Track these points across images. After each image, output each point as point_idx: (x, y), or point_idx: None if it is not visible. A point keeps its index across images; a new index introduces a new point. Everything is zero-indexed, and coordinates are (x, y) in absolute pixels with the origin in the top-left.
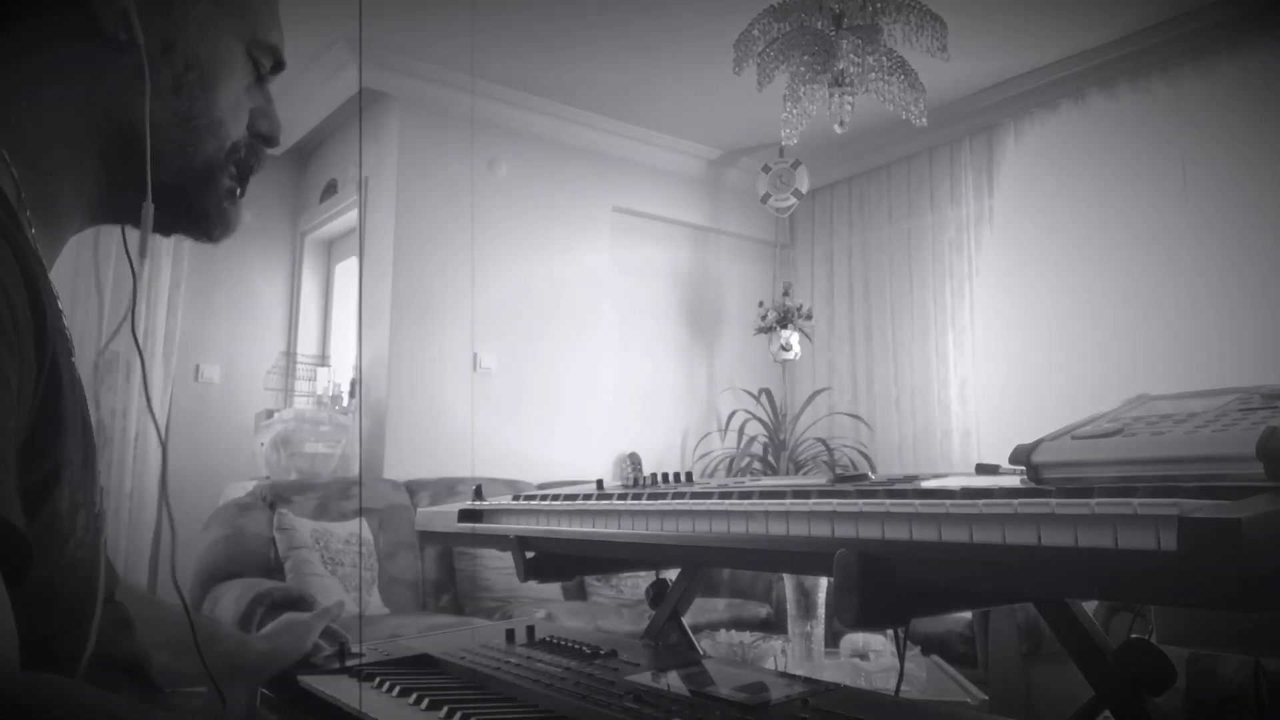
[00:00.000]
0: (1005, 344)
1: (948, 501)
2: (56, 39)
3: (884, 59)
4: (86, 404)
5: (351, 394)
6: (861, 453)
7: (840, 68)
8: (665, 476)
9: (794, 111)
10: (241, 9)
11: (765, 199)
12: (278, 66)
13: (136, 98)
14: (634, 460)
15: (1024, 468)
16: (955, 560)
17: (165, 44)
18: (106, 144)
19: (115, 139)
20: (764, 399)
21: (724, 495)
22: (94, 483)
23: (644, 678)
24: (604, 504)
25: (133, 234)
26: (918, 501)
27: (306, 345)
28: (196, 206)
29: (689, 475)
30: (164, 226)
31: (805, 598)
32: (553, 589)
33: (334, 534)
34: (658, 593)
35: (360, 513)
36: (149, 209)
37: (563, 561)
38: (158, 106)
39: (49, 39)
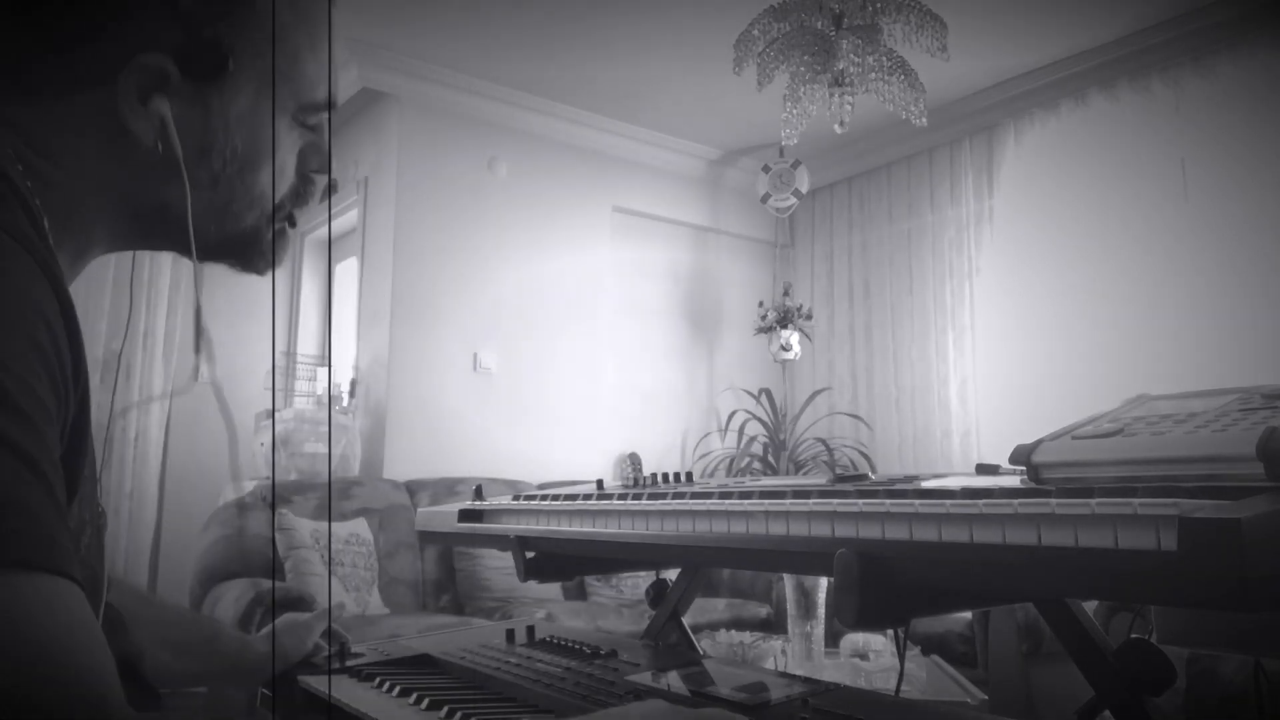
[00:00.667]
0: (1005, 344)
1: (948, 501)
2: (82, 131)
3: (884, 59)
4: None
5: (352, 394)
6: (861, 453)
7: (840, 68)
8: (665, 476)
9: (794, 111)
10: (286, 83)
11: (765, 199)
12: (329, 107)
13: (172, 192)
14: (634, 460)
15: (1024, 468)
16: (955, 560)
17: (201, 148)
18: (141, 220)
19: (150, 218)
20: (764, 399)
21: (724, 495)
22: (95, 493)
23: (644, 678)
24: (604, 504)
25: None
26: (918, 501)
27: (306, 345)
28: (245, 257)
29: (689, 475)
30: (207, 258)
31: (805, 598)
32: (553, 589)
33: (334, 534)
34: (658, 593)
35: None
36: (199, 271)
37: (563, 561)
38: (195, 197)
39: (74, 128)
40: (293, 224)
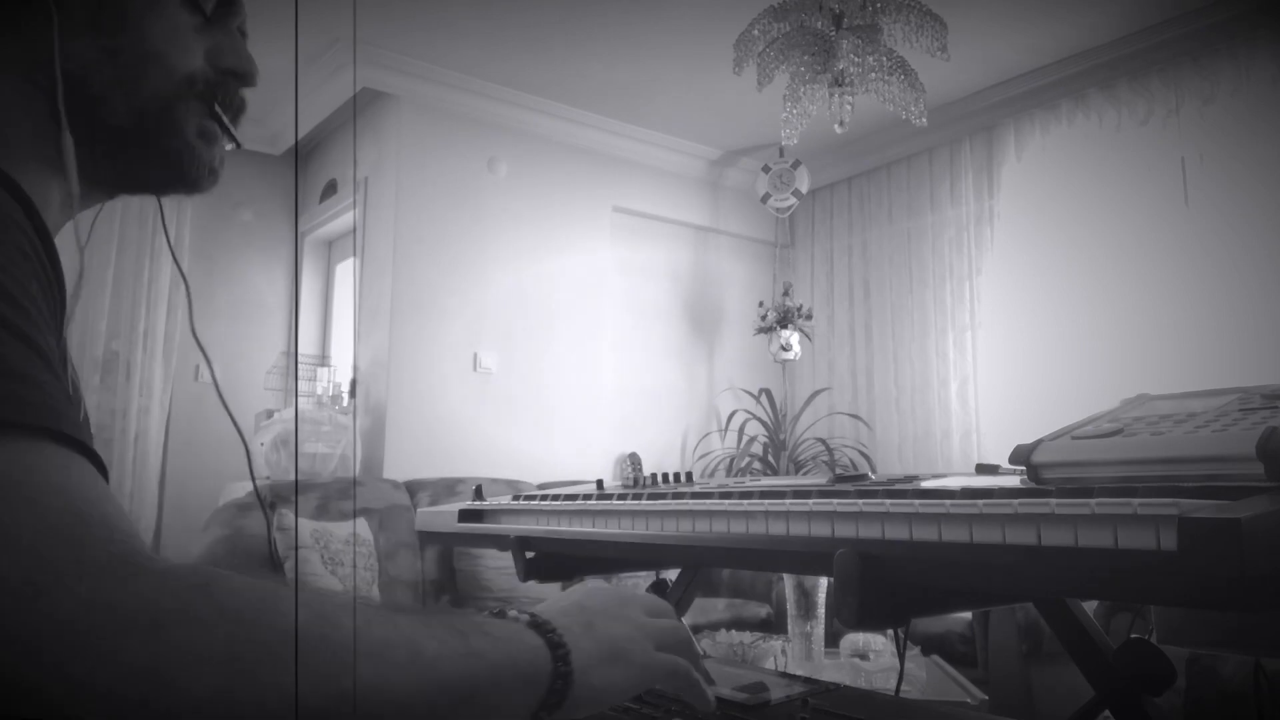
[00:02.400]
0: (1005, 344)
1: (948, 501)
2: None
3: (884, 59)
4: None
5: (352, 394)
6: (861, 453)
7: (840, 68)
8: (665, 476)
9: (794, 111)
10: None
11: (765, 199)
12: (223, 3)
13: (52, 39)
14: (634, 460)
15: (1024, 468)
16: (955, 560)
17: None
18: (53, 100)
19: (54, 92)
20: (764, 399)
21: (724, 495)
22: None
23: None
24: (604, 504)
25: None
26: (918, 501)
27: (306, 345)
28: (164, 146)
29: (689, 475)
30: (148, 182)
31: (805, 598)
32: (552, 589)
33: (334, 534)
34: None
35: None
36: (68, 142)
37: (563, 561)
38: (81, 45)
39: None
40: (225, 130)
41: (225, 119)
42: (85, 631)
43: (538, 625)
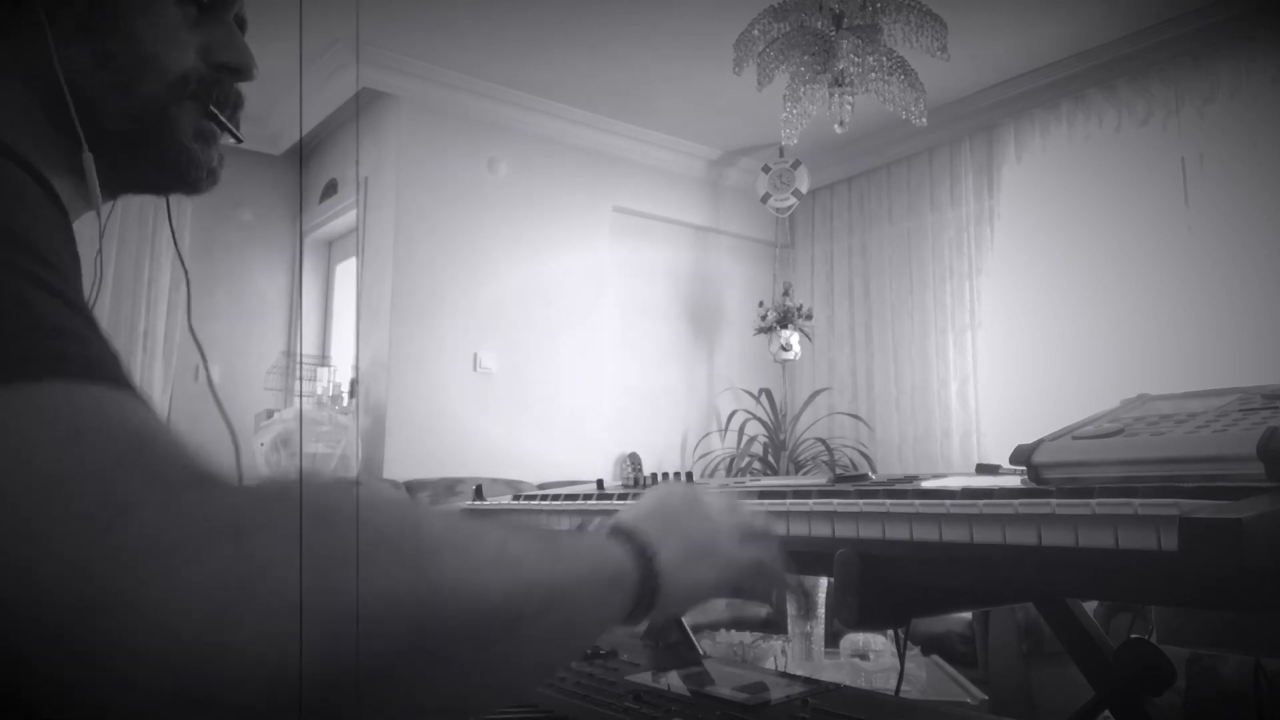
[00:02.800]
0: (1005, 344)
1: (948, 501)
2: None
3: (884, 59)
4: None
5: (352, 394)
6: (861, 453)
7: (840, 68)
8: (665, 476)
9: (794, 111)
10: None
11: (765, 199)
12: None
13: (46, 48)
14: (634, 460)
15: (1025, 468)
16: (955, 560)
17: None
18: (49, 106)
19: (53, 99)
20: (764, 399)
21: None
22: None
23: (644, 678)
24: (604, 504)
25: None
26: (918, 501)
27: (307, 345)
28: (157, 148)
29: (689, 475)
30: (147, 184)
31: (805, 598)
32: None
33: None
34: None
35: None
36: (89, 160)
37: None
38: (75, 51)
39: None
40: (224, 128)
41: (222, 116)
42: (171, 545)
43: (620, 534)
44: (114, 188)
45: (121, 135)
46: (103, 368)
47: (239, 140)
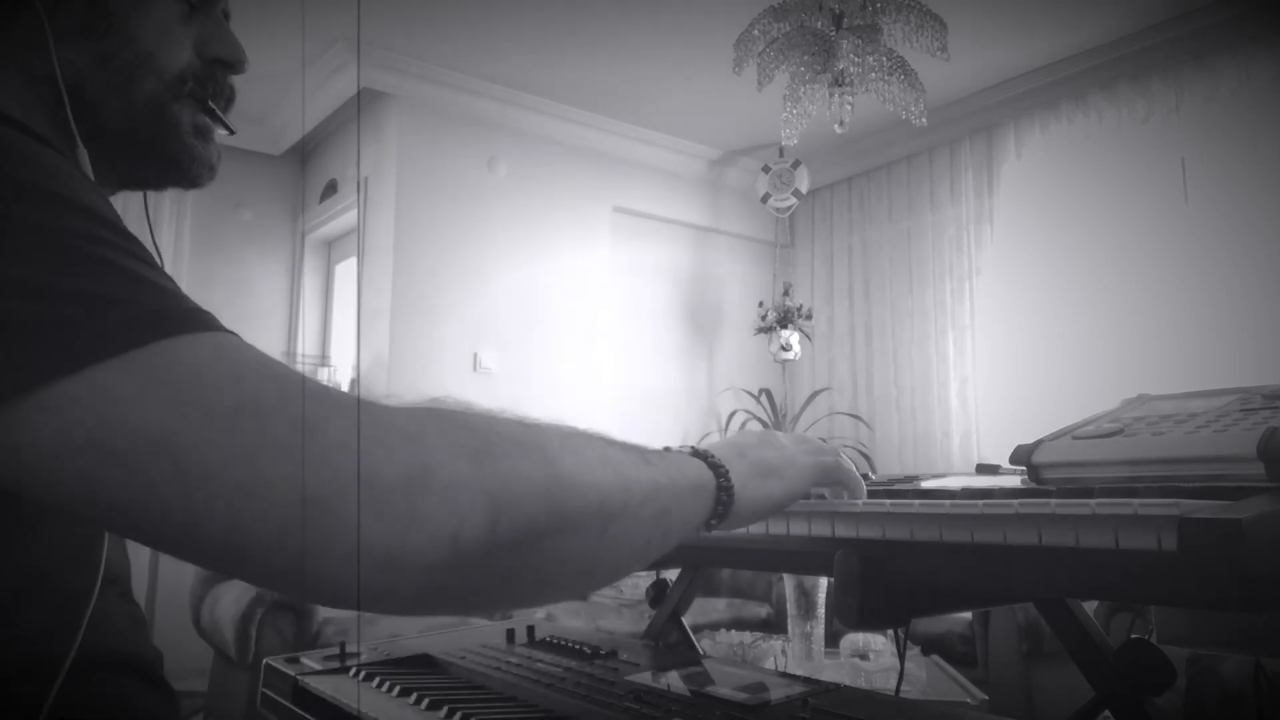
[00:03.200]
0: (1006, 344)
1: (948, 502)
2: None
3: (884, 59)
4: None
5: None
6: (861, 453)
7: (840, 68)
8: None
9: (794, 111)
10: None
11: (765, 199)
12: None
13: (46, 49)
14: None
15: (1024, 468)
16: (955, 560)
17: None
18: (49, 107)
19: (55, 101)
20: (764, 399)
21: None
22: None
23: (644, 678)
24: None
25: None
26: (918, 502)
27: (307, 345)
28: (157, 146)
29: None
30: (146, 180)
31: (805, 598)
32: None
33: None
34: (658, 593)
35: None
36: (83, 156)
37: None
38: (73, 52)
39: None
40: (220, 122)
41: (218, 111)
42: (364, 450)
43: (698, 454)
44: (112, 185)
45: (122, 133)
46: (216, 319)
47: (231, 133)
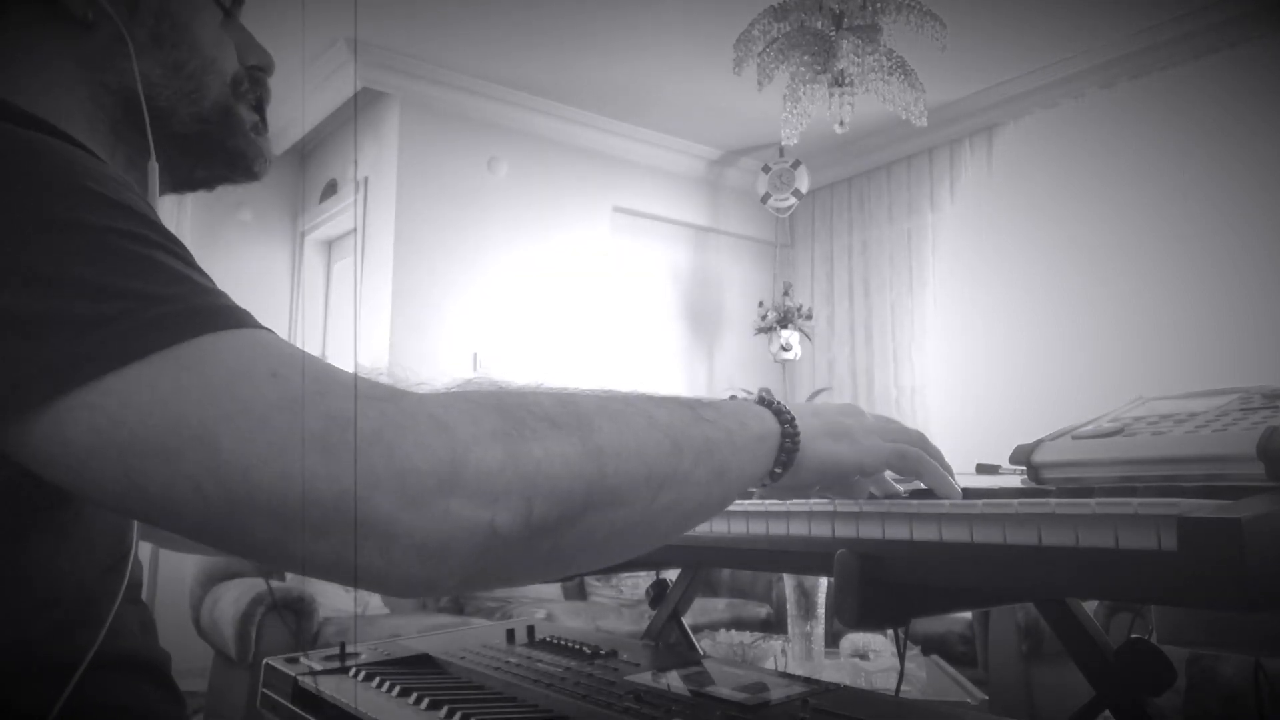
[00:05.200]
0: (1005, 343)
1: (947, 501)
2: (29, 38)
3: (884, 59)
4: None
5: None
6: None
7: (840, 68)
8: None
9: (794, 111)
10: None
11: (765, 199)
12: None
13: (124, 63)
14: None
15: (1024, 468)
16: (955, 560)
17: (129, 4)
18: (115, 119)
19: (121, 111)
20: None
21: None
22: None
23: (644, 678)
24: None
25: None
26: (917, 501)
27: (307, 345)
28: (228, 145)
29: None
30: (206, 179)
31: (805, 598)
32: (553, 589)
33: None
34: (658, 593)
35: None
36: (154, 169)
37: None
38: (147, 64)
39: (21, 40)
40: (263, 121)
41: (264, 111)
42: (391, 440)
43: (764, 402)
44: (165, 188)
45: (190, 136)
46: (253, 317)
47: (266, 128)
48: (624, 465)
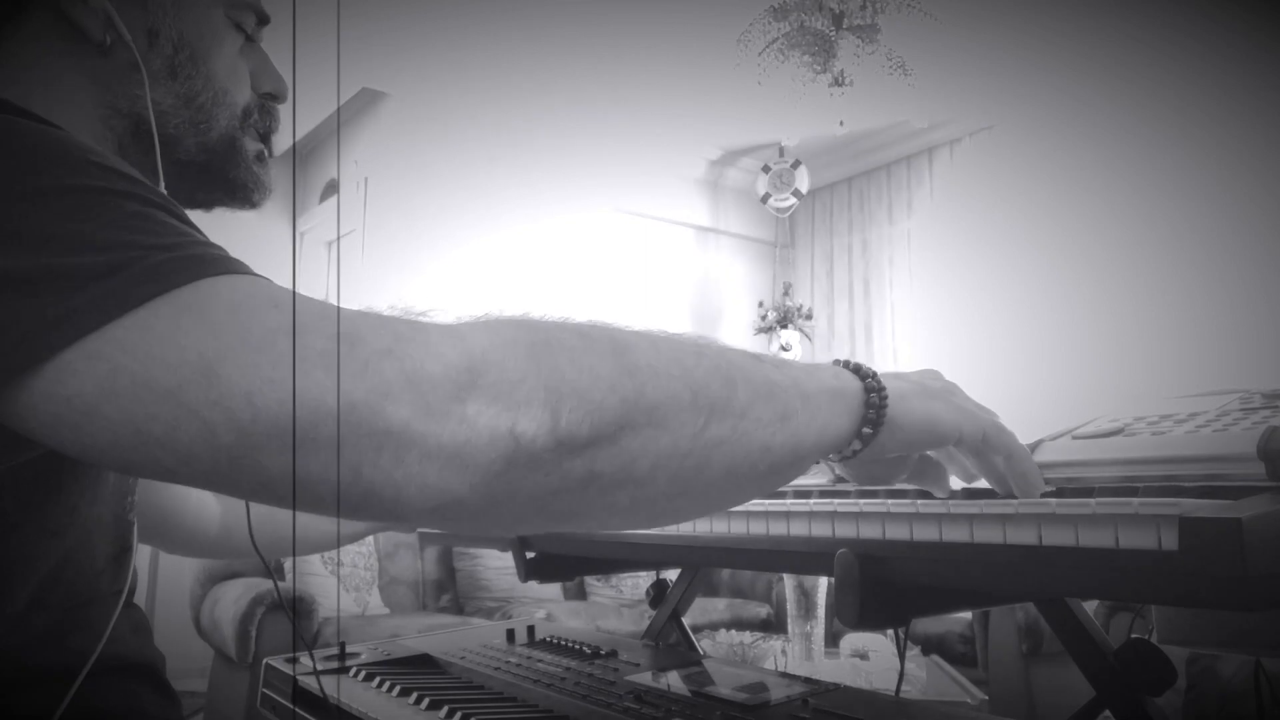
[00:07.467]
0: (1005, 343)
1: (948, 501)
2: (43, 52)
3: (884, 59)
4: None
5: None
6: None
7: (840, 68)
8: None
9: (794, 111)
10: None
11: (765, 199)
12: (262, 21)
13: (137, 90)
14: None
15: None
16: (956, 560)
17: (149, 33)
18: (122, 140)
19: (129, 134)
20: None
21: None
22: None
23: (644, 678)
24: None
25: None
26: (918, 501)
27: None
28: (229, 176)
29: None
30: (205, 202)
31: (805, 598)
32: (553, 589)
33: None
34: (658, 593)
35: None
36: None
37: (563, 561)
38: (160, 93)
39: (35, 53)
40: (268, 151)
41: (270, 140)
42: (433, 375)
43: (840, 362)
44: None
45: (192, 164)
46: (249, 267)
47: (271, 155)
48: (665, 384)
